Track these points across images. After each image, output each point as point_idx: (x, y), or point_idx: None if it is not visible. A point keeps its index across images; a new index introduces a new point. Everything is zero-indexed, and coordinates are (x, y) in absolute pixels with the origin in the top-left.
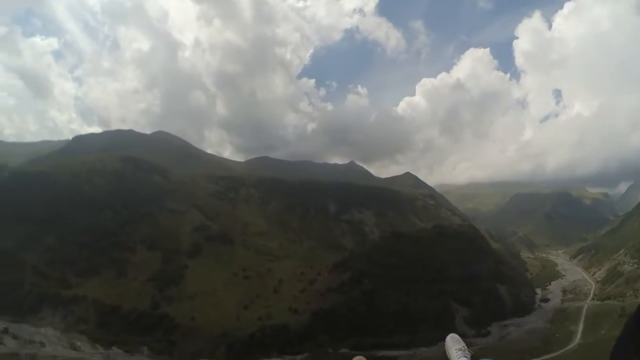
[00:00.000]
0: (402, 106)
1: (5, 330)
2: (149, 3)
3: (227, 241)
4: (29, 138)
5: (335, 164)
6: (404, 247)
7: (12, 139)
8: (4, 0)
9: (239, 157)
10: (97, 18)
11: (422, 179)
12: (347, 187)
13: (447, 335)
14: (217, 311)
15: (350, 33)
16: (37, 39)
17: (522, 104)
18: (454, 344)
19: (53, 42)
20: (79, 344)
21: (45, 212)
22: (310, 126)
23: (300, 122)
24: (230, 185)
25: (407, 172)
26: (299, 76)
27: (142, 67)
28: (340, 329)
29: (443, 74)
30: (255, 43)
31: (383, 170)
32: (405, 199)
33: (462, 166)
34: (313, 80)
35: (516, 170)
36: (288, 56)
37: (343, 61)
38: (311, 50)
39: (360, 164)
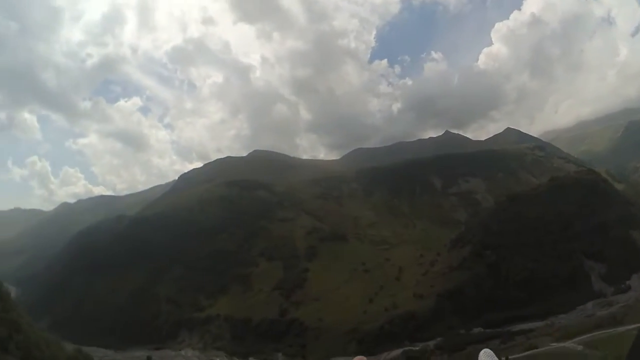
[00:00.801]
0: (482, 59)
1: (149, 358)
2: (208, 40)
3: (340, 238)
4: (140, 188)
5: (430, 138)
6: (521, 209)
7: (125, 192)
8: (82, 79)
9: (334, 155)
10: (167, 68)
11: (524, 132)
12: (448, 158)
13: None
14: (343, 308)
15: (406, 1)
16: (122, 102)
17: (608, 20)
18: (487, 359)
19: (137, 101)
20: (217, 359)
21: (168, 247)
22: (395, 106)
23: (383, 105)
24: (332, 184)
25: (507, 128)
26: (370, 60)
27: (222, 98)
28: (469, 308)
29: (515, 13)
30: (317, 42)
31: (481, 132)
32: (512, 157)
33: (564, 106)
34: (385, 61)
35: (623, 96)
36: (353, 44)
37: (408, 32)
38: (374, 32)
39: (456, 132)
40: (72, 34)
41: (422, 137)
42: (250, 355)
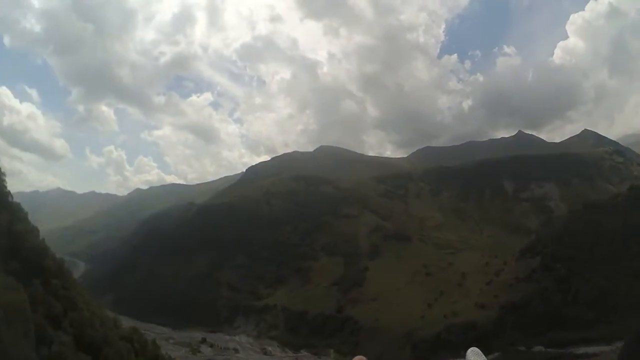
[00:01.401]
0: (558, 54)
1: (203, 340)
2: (276, 37)
3: (404, 239)
4: (209, 178)
5: (502, 138)
6: (598, 219)
7: (195, 182)
8: (156, 75)
9: (401, 153)
10: (237, 65)
11: (602, 134)
12: (521, 160)
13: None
14: (400, 311)
15: None
16: (194, 97)
17: None
18: (475, 358)
19: (208, 96)
20: (270, 348)
21: (233, 235)
22: (466, 104)
23: (453, 102)
24: (399, 183)
25: (585, 130)
26: (439, 55)
27: (290, 93)
28: (533, 324)
29: (591, 3)
30: (385, 37)
31: (555, 133)
32: (588, 162)
33: None
34: (455, 56)
35: None
36: (421, 39)
37: (479, 25)
38: (443, 26)
39: (529, 132)
40: (146, 34)
41: (494, 137)
42: (303, 348)
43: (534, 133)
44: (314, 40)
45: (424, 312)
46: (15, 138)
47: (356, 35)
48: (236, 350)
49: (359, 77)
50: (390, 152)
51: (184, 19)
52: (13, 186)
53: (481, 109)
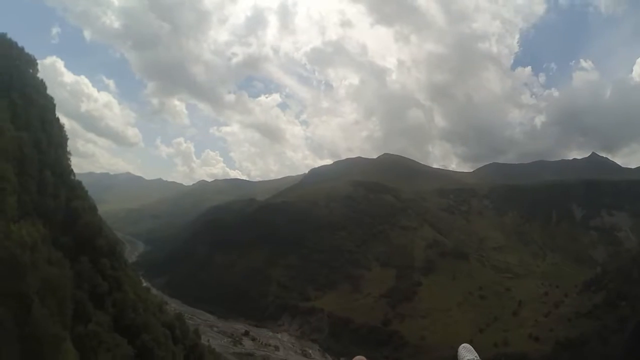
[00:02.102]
0: (638, 70)
1: (246, 333)
2: (345, 42)
3: (461, 257)
4: (272, 176)
5: (574, 159)
6: None
7: (258, 179)
8: (227, 75)
9: (466, 168)
10: (306, 68)
11: None
12: (592, 185)
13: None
14: (449, 332)
15: (552, 1)
16: (263, 98)
17: None
18: (466, 354)
19: (276, 97)
20: (310, 351)
21: (289, 234)
22: (539, 119)
23: (525, 117)
24: (462, 198)
25: None
26: (513, 67)
27: (357, 99)
28: None
29: None
30: (456, 46)
31: (632, 157)
32: None
33: None
34: (529, 68)
35: None
36: (494, 49)
37: (556, 36)
38: (517, 36)
39: (604, 155)
40: (219, 35)
41: (566, 158)
42: (343, 356)
43: (609, 156)
44: (384, 46)
45: (473, 336)
46: (92, 124)
47: (427, 43)
48: (276, 348)
49: (427, 86)
50: (455, 165)
51: (256, 22)
52: (85, 167)
53: (554, 127)
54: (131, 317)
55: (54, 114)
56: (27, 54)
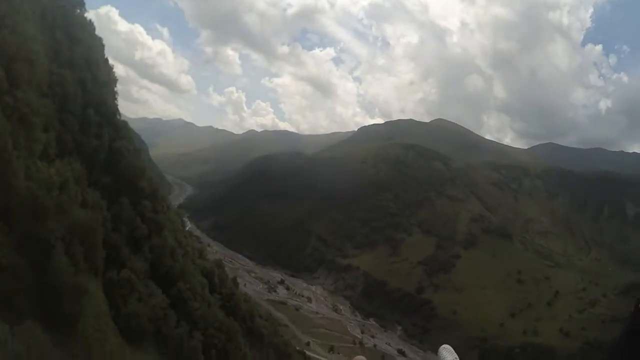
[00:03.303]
0: None
1: (282, 282)
2: None
3: (505, 236)
4: (321, 131)
5: (634, 153)
6: None
7: (307, 132)
8: (282, 26)
9: (521, 144)
10: (363, 23)
11: None
12: None
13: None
14: (481, 311)
15: None
16: (317, 51)
17: None
18: (447, 354)
19: (330, 52)
20: (341, 307)
21: (334, 190)
22: (604, 104)
23: (590, 100)
24: (513, 175)
25: None
26: (583, 43)
27: (414, 59)
28: None
29: None
30: (525, 12)
31: None
32: None
33: None
34: (599, 47)
35: None
36: (565, 20)
37: (632, 16)
38: (591, 10)
39: None
40: None
41: (626, 150)
42: (372, 316)
43: None
44: (447, 6)
45: (504, 320)
46: (145, 71)
47: (494, 6)
48: (309, 299)
49: (490, 53)
50: (509, 139)
51: None
52: (139, 112)
53: (620, 115)
54: (168, 264)
55: (102, 55)
56: None
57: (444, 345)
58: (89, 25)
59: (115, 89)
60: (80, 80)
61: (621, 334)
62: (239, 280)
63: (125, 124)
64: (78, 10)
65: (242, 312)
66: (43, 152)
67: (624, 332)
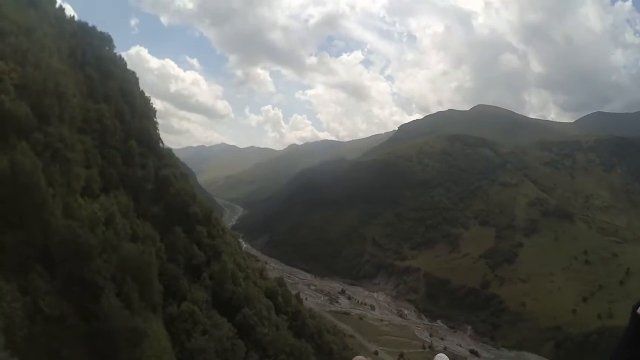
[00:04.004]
0: None
1: (343, 292)
2: None
3: (566, 217)
4: (360, 135)
5: None
6: None
7: (347, 139)
8: (306, 37)
9: (568, 118)
10: (385, 21)
11: None
12: None
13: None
14: (551, 300)
15: None
16: (344, 56)
17: None
18: None
19: (358, 55)
20: (406, 312)
21: (382, 192)
22: None
23: (629, 59)
24: (565, 151)
25: None
26: (612, 1)
27: (443, 48)
28: None
29: None
30: None
31: None
32: None
33: None
34: (629, 2)
35: None
36: None
37: None
38: None
39: None
40: None
41: None
42: (440, 318)
43: None
44: None
45: (576, 305)
46: (183, 102)
47: None
48: (372, 307)
49: (520, 28)
50: (554, 115)
51: None
52: (182, 142)
53: None
54: (231, 290)
55: (137, 87)
56: (100, 32)
57: (439, 354)
58: (120, 60)
59: (155, 119)
60: (118, 113)
61: (621, 340)
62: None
63: (169, 151)
64: (107, 48)
65: (310, 330)
66: (86, 188)
67: (624, 337)
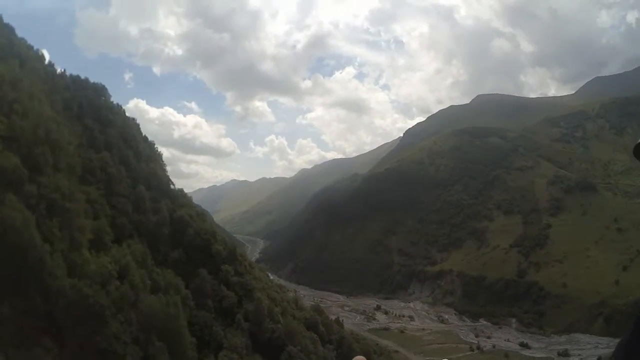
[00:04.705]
0: None
1: (378, 307)
2: None
3: (588, 189)
4: (367, 148)
5: None
6: None
7: (354, 154)
8: (298, 61)
9: (568, 90)
10: (370, 32)
11: None
12: None
13: None
14: (591, 275)
15: None
16: (337, 74)
17: None
18: None
19: (350, 70)
20: (446, 316)
21: (401, 200)
22: (631, 16)
23: (616, 16)
24: (574, 123)
25: None
26: None
27: (432, 47)
28: None
29: None
30: None
31: None
32: None
33: None
34: None
35: None
36: None
37: None
38: None
39: None
40: (276, 27)
41: None
42: (482, 316)
43: None
44: None
45: (618, 276)
46: (188, 145)
47: None
48: (411, 318)
49: (503, 11)
50: (554, 90)
51: (307, 3)
52: (193, 185)
53: None
54: (270, 328)
55: (139, 132)
56: (95, 84)
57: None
58: (118, 108)
59: (163, 163)
60: (122, 160)
61: (624, 340)
62: (332, 316)
63: (181, 191)
64: (103, 98)
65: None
66: (95, 242)
67: (629, 338)
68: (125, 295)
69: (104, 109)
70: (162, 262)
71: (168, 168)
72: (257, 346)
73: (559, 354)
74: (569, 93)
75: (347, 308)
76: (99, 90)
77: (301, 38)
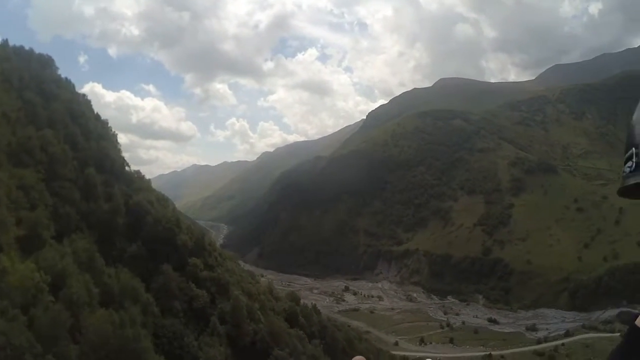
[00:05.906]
0: None
1: (347, 289)
2: None
3: (549, 170)
4: (329, 131)
5: None
6: None
7: (317, 137)
8: (260, 42)
9: (527, 76)
10: (334, 13)
11: None
12: None
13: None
14: (554, 252)
15: None
16: (300, 56)
17: None
18: None
19: (313, 52)
20: (414, 295)
21: (365, 182)
22: (594, 7)
23: (578, 8)
24: (534, 108)
25: None
26: None
27: (396, 30)
28: None
29: None
30: None
31: None
32: None
33: None
34: None
35: None
36: None
37: None
38: None
39: None
40: (238, 6)
41: (632, 46)
42: (449, 294)
43: None
44: None
45: (580, 253)
46: (146, 130)
47: None
48: (380, 298)
49: None
50: (514, 75)
51: None
52: (154, 171)
53: (614, 13)
54: (251, 330)
55: (90, 108)
56: (40, 55)
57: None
58: (66, 82)
59: (117, 143)
60: (68, 138)
61: (618, 349)
62: (303, 301)
63: (138, 173)
64: (48, 70)
65: (341, 344)
66: (27, 240)
67: (622, 347)
68: (57, 320)
69: (48, 82)
70: (117, 259)
71: (126, 154)
72: (237, 352)
73: (527, 329)
74: (529, 79)
75: (315, 291)
76: (45, 62)
77: (264, 18)
